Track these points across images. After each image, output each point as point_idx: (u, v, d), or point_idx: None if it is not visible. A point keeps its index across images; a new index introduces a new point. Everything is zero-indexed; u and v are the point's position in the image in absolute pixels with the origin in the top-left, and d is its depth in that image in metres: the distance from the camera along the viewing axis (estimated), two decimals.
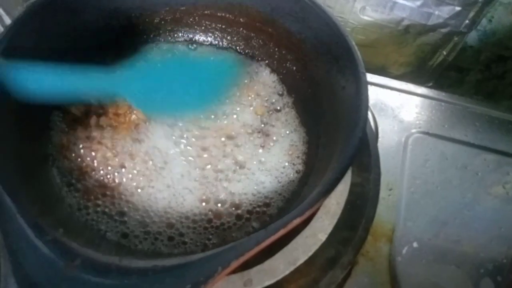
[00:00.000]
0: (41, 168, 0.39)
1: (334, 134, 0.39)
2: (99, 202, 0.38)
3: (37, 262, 0.25)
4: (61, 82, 0.33)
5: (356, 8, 0.69)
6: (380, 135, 0.50)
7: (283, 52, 0.49)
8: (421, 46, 0.74)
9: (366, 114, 0.35)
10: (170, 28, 0.50)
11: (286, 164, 0.42)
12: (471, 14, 0.67)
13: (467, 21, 0.68)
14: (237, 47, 0.52)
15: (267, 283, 0.36)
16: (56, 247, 0.26)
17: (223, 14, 0.49)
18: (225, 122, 0.44)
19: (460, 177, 0.51)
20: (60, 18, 0.41)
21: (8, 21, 0.54)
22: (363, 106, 0.35)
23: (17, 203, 0.28)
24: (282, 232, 0.28)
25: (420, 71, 0.79)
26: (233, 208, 0.39)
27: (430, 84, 0.78)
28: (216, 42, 0.52)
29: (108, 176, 0.40)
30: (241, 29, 0.50)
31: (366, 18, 0.70)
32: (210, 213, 0.39)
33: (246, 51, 0.52)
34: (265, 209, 0.40)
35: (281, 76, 0.49)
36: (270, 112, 0.46)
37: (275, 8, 0.46)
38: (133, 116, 0.43)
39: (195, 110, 0.40)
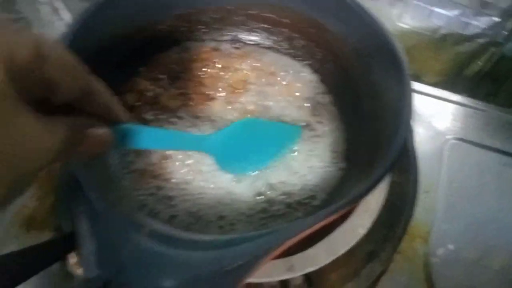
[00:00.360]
0: None
1: (376, 134, 0.40)
2: (152, 185, 0.41)
3: (111, 228, 0.27)
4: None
5: (393, 15, 0.71)
6: (416, 139, 0.50)
7: (325, 53, 0.50)
8: (457, 55, 0.74)
9: (411, 116, 0.35)
10: (216, 26, 0.53)
11: (329, 160, 0.44)
12: (509, 25, 0.67)
13: (505, 32, 0.68)
14: (280, 47, 0.54)
15: (309, 269, 0.38)
16: (126, 217, 0.28)
17: (268, 15, 0.51)
18: None
19: (496, 184, 0.52)
20: (118, 15, 0.44)
21: (65, 15, 0.58)
22: (407, 107, 0.35)
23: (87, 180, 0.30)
24: (332, 217, 0.30)
25: (455, 80, 0.80)
26: (284, 197, 0.41)
27: (465, 93, 0.79)
28: (261, 41, 0.54)
29: (163, 162, 0.42)
30: (285, 29, 0.52)
31: (402, 25, 0.71)
32: (261, 203, 0.41)
33: (289, 51, 0.54)
34: (311, 200, 0.41)
35: (322, 77, 0.51)
36: (312, 111, 0.48)
37: (319, 10, 0.47)
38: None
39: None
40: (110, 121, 0.26)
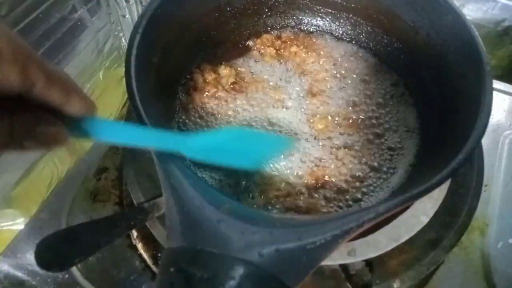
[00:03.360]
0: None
1: (448, 124, 0.40)
2: None
3: (196, 201, 0.29)
4: None
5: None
6: None
7: (393, 39, 0.50)
8: None
9: (491, 106, 0.35)
10: (282, 10, 0.53)
11: (399, 147, 0.44)
12: None
13: None
14: (344, 33, 0.54)
15: (370, 255, 0.38)
16: (207, 193, 0.29)
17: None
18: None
19: None
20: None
21: None
22: (487, 97, 0.35)
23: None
24: (410, 202, 0.30)
25: (510, 75, 0.77)
26: (358, 183, 0.41)
27: None
28: (325, 26, 0.54)
29: None
30: (351, 15, 0.52)
31: None
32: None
33: (353, 37, 0.53)
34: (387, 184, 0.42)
35: (388, 64, 0.51)
36: (381, 100, 0.48)
37: None
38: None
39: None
40: (68, 114, 0.24)
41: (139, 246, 0.45)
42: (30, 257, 0.45)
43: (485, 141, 0.54)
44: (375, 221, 0.29)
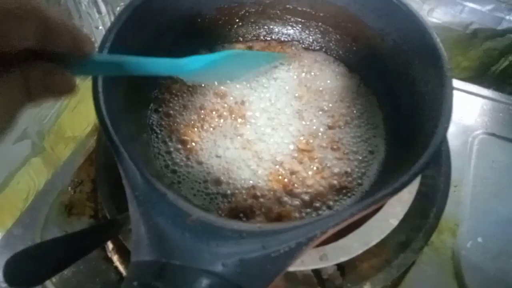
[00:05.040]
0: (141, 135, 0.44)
1: (414, 127, 0.41)
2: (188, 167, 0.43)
3: (162, 213, 0.29)
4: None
5: (425, 10, 0.70)
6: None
7: (361, 47, 0.51)
8: (487, 51, 0.74)
9: (451, 110, 0.36)
10: (253, 20, 0.54)
11: (369, 150, 0.45)
12: None
13: None
14: (314, 42, 0.54)
15: (342, 259, 0.39)
16: (173, 205, 0.30)
17: (304, 9, 0.52)
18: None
19: None
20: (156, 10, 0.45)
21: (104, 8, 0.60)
22: (448, 102, 0.36)
23: (136, 163, 0.32)
24: (373, 207, 0.31)
25: (482, 76, 0.79)
26: (329, 189, 0.42)
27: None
28: (295, 35, 0.55)
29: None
30: (320, 23, 0.53)
31: (434, 20, 0.71)
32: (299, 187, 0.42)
33: (323, 45, 0.54)
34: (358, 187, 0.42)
35: (358, 70, 0.52)
36: (352, 103, 0.49)
37: (360, 6, 0.48)
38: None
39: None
40: (77, 57, 0.25)
41: (115, 258, 0.45)
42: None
43: (455, 143, 0.55)
44: (340, 227, 0.30)
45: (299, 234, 0.28)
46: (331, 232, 0.30)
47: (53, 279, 0.43)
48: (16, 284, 0.34)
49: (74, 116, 0.68)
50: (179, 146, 0.45)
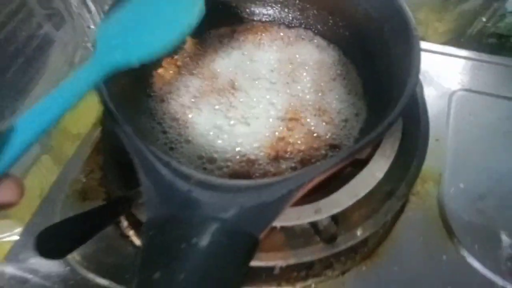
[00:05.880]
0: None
1: (390, 88, 0.45)
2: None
3: (168, 178, 0.33)
4: None
5: None
6: (426, 93, 0.54)
7: (337, 19, 0.55)
8: (461, 13, 0.77)
9: (419, 63, 0.40)
10: (234, 4, 0.57)
11: (354, 113, 0.50)
12: None
13: None
14: (294, 19, 0.58)
15: (334, 211, 0.43)
16: (177, 170, 0.34)
17: None
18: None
19: (504, 129, 0.56)
20: None
21: (93, 7, 0.63)
22: (416, 60, 0.40)
23: (140, 139, 0.36)
24: (355, 154, 0.35)
25: (460, 39, 0.82)
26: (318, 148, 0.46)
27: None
28: (276, 15, 0.58)
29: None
30: (297, 1, 0.57)
31: None
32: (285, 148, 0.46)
33: (302, 21, 0.58)
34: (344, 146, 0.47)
35: (336, 41, 0.56)
36: (331, 73, 0.53)
37: None
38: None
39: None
40: None
41: (130, 233, 0.49)
42: (30, 258, 0.49)
43: (437, 101, 0.60)
44: (325, 175, 0.34)
45: (290, 183, 0.32)
46: (317, 180, 0.34)
47: (76, 257, 0.48)
48: (48, 254, 0.38)
49: (76, 114, 0.71)
50: (174, 125, 0.49)
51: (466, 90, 0.61)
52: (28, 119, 0.28)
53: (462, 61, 0.67)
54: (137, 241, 0.49)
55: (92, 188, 0.53)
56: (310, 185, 0.34)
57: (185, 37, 0.39)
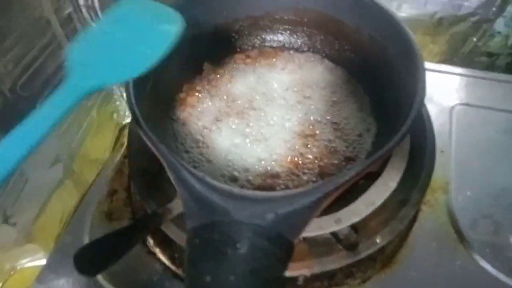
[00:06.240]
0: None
1: (396, 103, 0.48)
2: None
3: (204, 191, 0.35)
4: None
5: (393, 6, 0.79)
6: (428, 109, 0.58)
7: (343, 43, 0.59)
8: (453, 35, 0.83)
9: (425, 79, 0.44)
10: (247, 32, 0.62)
11: (365, 128, 0.53)
12: (498, 2, 0.75)
13: (494, 9, 0.77)
14: (302, 44, 0.63)
15: (354, 220, 0.45)
16: (212, 185, 0.36)
17: (290, 17, 0.61)
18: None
19: (503, 139, 0.60)
20: None
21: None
22: (421, 75, 0.44)
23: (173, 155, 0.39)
24: (377, 162, 0.38)
25: (453, 58, 0.88)
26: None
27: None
28: (285, 40, 0.63)
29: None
30: (305, 28, 0.61)
31: (402, 14, 0.80)
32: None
33: (310, 46, 0.62)
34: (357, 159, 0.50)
35: (343, 63, 0.60)
36: (340, 92, 0.56)
37: (337, 9, 0.56)
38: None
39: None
40: None
41: (157, 251, 0.51)
42: (60, 278, 0.50)
43: (439, 115, 0.64)
44: (349, 183, 0.37)
45: (318, 192, 0.35)
46: (342, 188, 0.37)
47: (104, 275, 0.49)
48: (86, 272, 0.40)
49: (95, 140, 0.74)
50: (196, 145, 0.52)
51: (464, 104, 0.65)
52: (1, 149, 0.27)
53: (458, 78, 0.72)
54: (163, 258, 0.51)
55: (117, 209, 0.56)
56: (336, 193, 0.37)
57: (164, 54, 0.38)
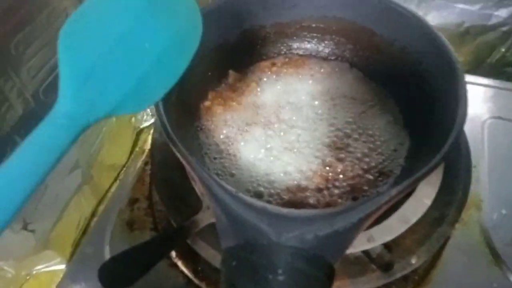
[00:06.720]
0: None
1: (432, 118, 0.47)
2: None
3: (238, 208, 0.34)
4: None
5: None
6: None
7: (372, 53, 0.57)
8: (480, 45, 0.81)
9: (466, 97, 0.42)
10: (273, 39, 0.60)
11: (398, 142, 0.51)
12: None
13: None
14: (330, 52, 0.61)
15: (387, 238, 0.44)
16: (246, 202, 0.35)
17: (318, 25, 0.59)
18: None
19: None
20: None
21: None
22: (463, 93, 0.42)
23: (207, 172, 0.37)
24: (412, 186, 0.36)
25: (479, 68, 0.85)
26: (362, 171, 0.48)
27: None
28: (312, 49, 0.61)
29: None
30: (333, 36, 0.59)
31: None
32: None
33: (338, 54, 0.61)
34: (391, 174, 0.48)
35: (371, 73, 0.58)
36: (369, 103, 0.55)
37: (366, 17, 0.54)
38: None
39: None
40: None
41: (180, 263, 0.50)
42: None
43: (469, 129, 0.61)
44: (390, 204, 0.35)
45: (359, 211, 0.33)
46: (383, 208, 0.35)
47: None
48: (109, 286, 0.38)
49: (113, 145, 0.73)
50: (219, 157, 0.51)
51: (496, 118, 0.63)
52: None
53: (485, 89, 0.70)
54: (186, 271, 0.49)
55: (138, 218, 0.54)
56: (378, 213, 0.35)
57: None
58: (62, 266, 0.57)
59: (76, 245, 0.59)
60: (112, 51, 0.30)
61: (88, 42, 0.29)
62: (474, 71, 0.85)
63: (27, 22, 0.48)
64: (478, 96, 0.68)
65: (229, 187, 0.35)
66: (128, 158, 0.69)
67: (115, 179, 0.68)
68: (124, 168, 0.68)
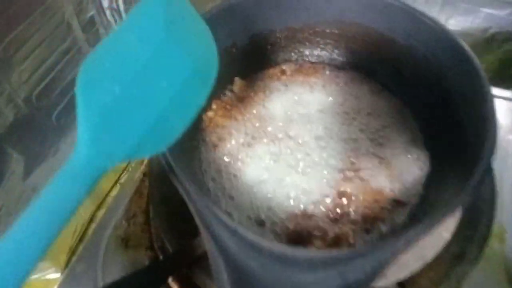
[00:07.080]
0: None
1: (455, 141, 0.42)
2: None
3: (236, 246, 0.30)
4: None
5: (441, 19, 0.72)
6: None
7: (391, 63, 0.52)
8: (505, 52, 0.75)
9: (496, 126, 0.37)
10: (283, 44, 0.56)
11: (416, 165, 0.46)
12: None
13: None
14: (345, 61, 0.56)
15: (401, 276, 0.40)
16: (245, 239, 0.31)
17: (332, 30, 0.54)
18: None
19: None
20: None
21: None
22: (491, 114, 0.38)
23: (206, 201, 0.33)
24: (437, 225, 0.32)
25: (501, 77, 0.80)
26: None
27: None
28: (326, 56, 0.57)
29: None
30: (349, 44, 0.55)
31: (451, 27, 0.72)
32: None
33: (353, 63, 0.56)
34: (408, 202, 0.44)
35: (388, 85, 0.54)
36: (386, 118, 0.50)
37: (386, 24, 0.50)
38: None
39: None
40: None
41: None
42: None
43: None
44: (407, 250, 0.31)
45: (374, 258, 0.30)
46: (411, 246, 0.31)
47: None
48: None
49: None
50: (218, 177, 0.47)
51: None
52: None
53: (508, 102, 0.65)
54: None
55: (134, 235, 0.51)
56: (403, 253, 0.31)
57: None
58: (57, 275, 0.55)
59: (72, 253, 0.57)
60: (130, 89, 0.28)
61: (106, 82, 0.27)
62: (497, 80, 0.80)
63: (19, 21, 0.44)
64: (501, 110, 0.63)
65: (226, 219, 0.31)
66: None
67: (115, 183, 0.65)
68: (125, 171, 0.64)
